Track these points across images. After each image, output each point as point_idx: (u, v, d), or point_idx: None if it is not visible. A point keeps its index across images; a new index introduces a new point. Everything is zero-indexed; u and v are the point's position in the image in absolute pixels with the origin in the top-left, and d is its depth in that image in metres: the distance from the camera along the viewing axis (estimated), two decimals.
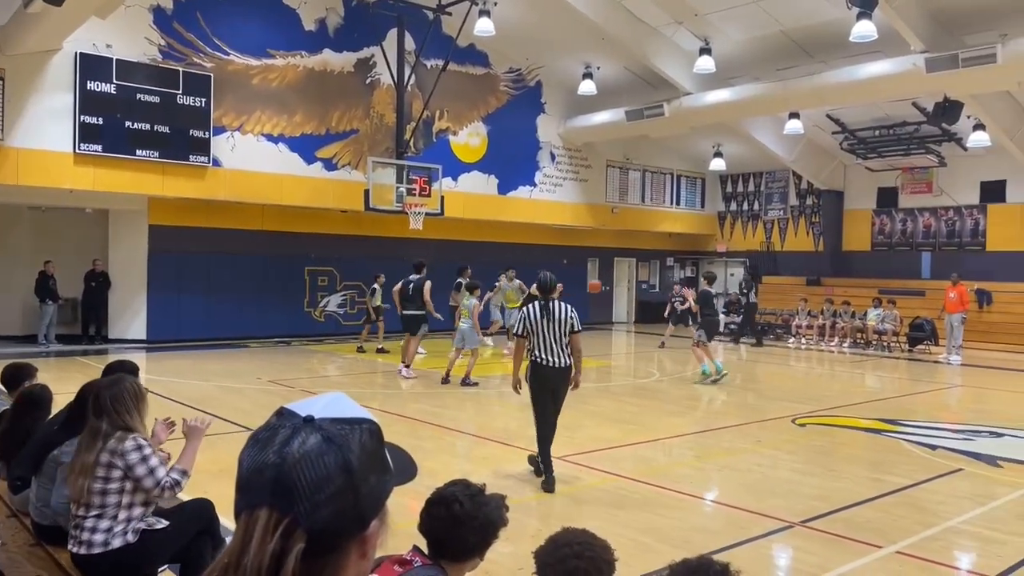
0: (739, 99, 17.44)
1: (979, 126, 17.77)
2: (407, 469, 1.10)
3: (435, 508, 2.22)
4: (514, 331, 6.76)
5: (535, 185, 20.82)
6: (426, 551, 2.20)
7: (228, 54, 15.81)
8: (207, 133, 15.25)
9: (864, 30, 13.41)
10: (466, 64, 19.09)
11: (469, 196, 19.02)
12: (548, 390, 6.54)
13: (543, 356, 6.48)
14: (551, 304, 6.57)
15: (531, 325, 6.53)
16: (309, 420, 0.96)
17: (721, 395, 11.80)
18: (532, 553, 2.14)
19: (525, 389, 6.72)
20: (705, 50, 16.54)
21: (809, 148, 21.99)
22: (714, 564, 1.72)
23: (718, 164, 23.59)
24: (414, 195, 15.71)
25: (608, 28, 16.60)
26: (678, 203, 25.01)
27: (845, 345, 19.06)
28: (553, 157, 21.25)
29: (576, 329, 6.55)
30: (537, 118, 20.82)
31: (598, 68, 19.10)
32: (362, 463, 0.95)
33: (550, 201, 21.07)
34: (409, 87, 17.29)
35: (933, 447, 8.25)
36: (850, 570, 4.76)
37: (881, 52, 14.97)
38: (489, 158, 19.75)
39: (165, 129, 14.73)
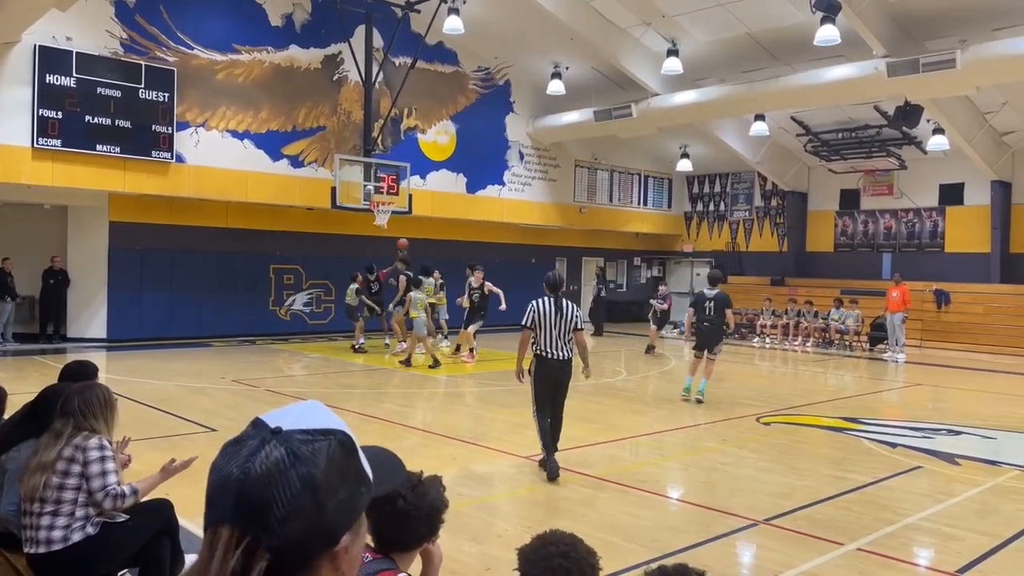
0: (706, 100, 17.61)
1: (938, 130, 18.16)
2: (393, 474, 1.07)
3: (379, 507, 2.16)
4: (522, 323, 6.96)
5: (504, 184, 20.82)
6: (374, 545, 2.19)
7: (192, 48, 15.55)
8: (170, 128, 14.99)
9: (828, 34, 13.62)
10: (435, 62, 19.02)
11: (437, 195, 18.95)
12: (551, 382, 6.88)
13: (548, 350, 6.81)
14: (562, 301, 6.90)
15: (540, 319, 6.83)
16: (277, 432, 0.92)
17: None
18: (516, 550, 2.13)
19: (527, 378, 7.05)
20: (672, 51, 16.67)
21: (774, 150, 22.28)
22: (691, 571, 1.72)
23: (685, 165, 23.81)
24: (382, 193, 15.61)
25: (577, 28, 16.65)
26: (645, 203, 25.20)
27: (808, 344, 19.36)
28: (522, 156, 21.27)
29: (580, 327, 6.95)
30: (506, 117, 20.81)
31: (567, 68, 19.16)
32: (329, 478, 0.91)
33: (519, 200, 21.09)
34: (377, 84, 17.17)
35: (893, 445, 8.40)
36: (813, 567, 4.83)
37: (844, 56, 15.22)
38: (458, 157, 19.71)
39: (127, 124, 14.45)
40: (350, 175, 15.55)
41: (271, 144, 16.59)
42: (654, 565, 1.72)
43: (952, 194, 20.73)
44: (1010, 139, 19.19)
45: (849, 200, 22.69)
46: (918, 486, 6.87)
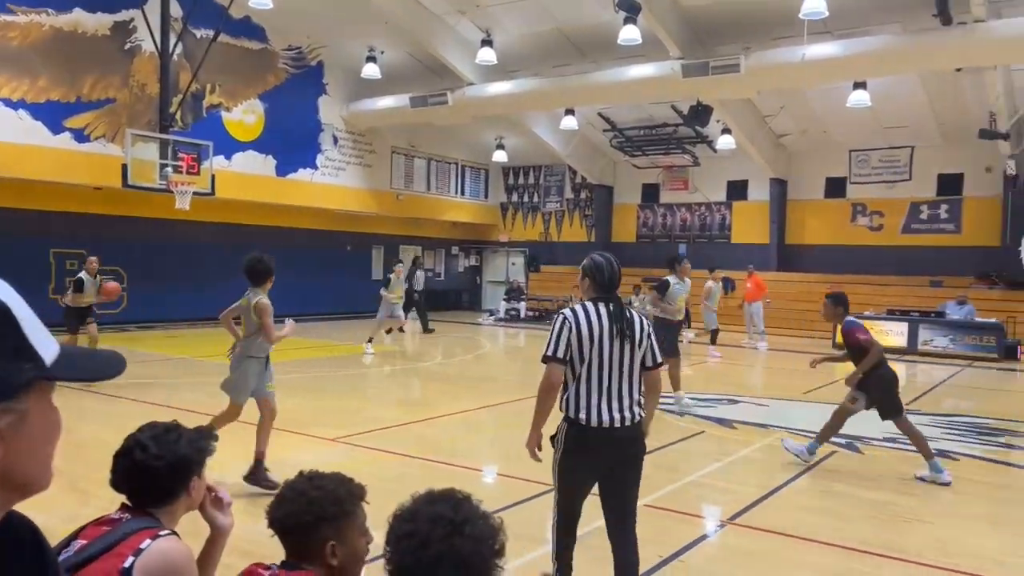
0: (518, 92, 18.05)
1: (726, 130, 19.80)
2: (102, 367, 1.04)
3: (119, 462, 2.01)
4: (547, 351, 3.57)
5: (316, 168, 20.21)
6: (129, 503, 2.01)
7: None
8: None
9: (630, 34, 14.40)
10: (241, 37, 18.08)
11: (244, 176, 18.05)
12: (594, 469, 3.69)
13: (590, 408, 3.57)
14: (624, 310, 3.60)
15: (583, 343, 3.52)
16: None
17: (501, 375, 12.20)
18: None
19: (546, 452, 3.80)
20: (487, 41, 16.94)
21: (583, 144, 23.30)
22: (456, 493, 1.68)
23: (500, 156, 24.33)
24: (181, 173, 14.64)
25: (391, 12, 16.47)
26: (463, 193, 25.49)
27: None
28: (336, 140, 20.75)
29: (656, 361, 3.69)
30: (319, 99, 20.20)
31: (382, 52, 18.93)
32: None
33: (332, 185, 20.57)
34: (175, 57, 16.05)
35: (681, 414, 9.11)
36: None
37: (645, 56, 16.17)
38: (266, 137, 18.87)
39: None
40: (144, 152, 14.43)
41: (51, 115, 15.03)
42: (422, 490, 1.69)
43: (738, 190, 22.74)
44: (786, 141, 21.33)
45: (650, 194, 24.23)
46: (701, 448, 7.50)
